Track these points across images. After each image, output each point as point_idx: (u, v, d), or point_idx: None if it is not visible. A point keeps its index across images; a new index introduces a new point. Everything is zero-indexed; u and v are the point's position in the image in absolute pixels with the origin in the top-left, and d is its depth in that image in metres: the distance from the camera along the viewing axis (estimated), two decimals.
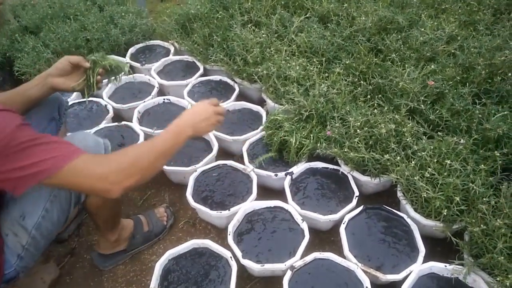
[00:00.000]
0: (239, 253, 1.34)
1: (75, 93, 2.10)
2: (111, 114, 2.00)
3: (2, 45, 2.50)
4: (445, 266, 1.26)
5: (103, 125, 1.92)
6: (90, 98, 2.07)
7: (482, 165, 1.36)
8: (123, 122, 1.93)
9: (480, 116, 1.54)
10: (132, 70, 2.38)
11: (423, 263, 1.29)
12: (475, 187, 1.30)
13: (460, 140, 1.45)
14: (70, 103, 2.04)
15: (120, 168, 0.95)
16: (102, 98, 2.09)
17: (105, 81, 1.48)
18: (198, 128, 1.18)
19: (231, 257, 1.33)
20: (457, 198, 1.29)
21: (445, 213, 1.30)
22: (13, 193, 0.90)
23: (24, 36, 2.51)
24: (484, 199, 1.30)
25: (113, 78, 1.43)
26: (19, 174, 0.85)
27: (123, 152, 1.03)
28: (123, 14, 2.63)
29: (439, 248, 1.47)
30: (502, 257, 1.14)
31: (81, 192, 1.06)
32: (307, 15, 2.26)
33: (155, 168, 1.06)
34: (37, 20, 2.63)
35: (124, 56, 2.43)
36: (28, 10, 2.75)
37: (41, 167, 0.86)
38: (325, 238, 1.58)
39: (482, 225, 1.23)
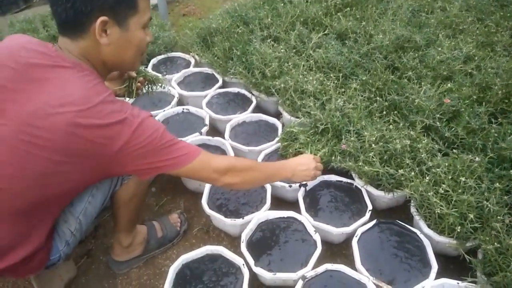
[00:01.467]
0: (251, 261, 1.36)
1: None
2: None
3: None
4: (458, 283, 1.25)
5: None
6: None
7: (497, 184, 1.35)
8: None
9: (496, 135, 1.55)
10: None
11: (435, 279, 1.28)
12: (489, 205, 1.30)
13: (475, 158, 1.45)
14: None
15: (229, 167, 1.19)
16: None
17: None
18: (297, 175, 1.41)
19: (243, 265, 1.35)
20: (471, 216, 1.29)
21: (458, 230, 1.30)
22: (140, 177, 1.18)
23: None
24: (499, 217, 1.29)
25: (149, 88, 1.60)
26: (159, 165, 1.06)
27: (238, 158, 1.43)
28: None
29: (452, 265, 1.46)
30: None
31: (195, 178, 1.21)
32: (325, 32, 2.31)
33: (250, 182, 1.31)
34: None
35: (146, 67, 2.51)
36: None
37: (175, 160, 1.08)
38: (337, 251, 1.59)
39: (496, 243, 1.22)
